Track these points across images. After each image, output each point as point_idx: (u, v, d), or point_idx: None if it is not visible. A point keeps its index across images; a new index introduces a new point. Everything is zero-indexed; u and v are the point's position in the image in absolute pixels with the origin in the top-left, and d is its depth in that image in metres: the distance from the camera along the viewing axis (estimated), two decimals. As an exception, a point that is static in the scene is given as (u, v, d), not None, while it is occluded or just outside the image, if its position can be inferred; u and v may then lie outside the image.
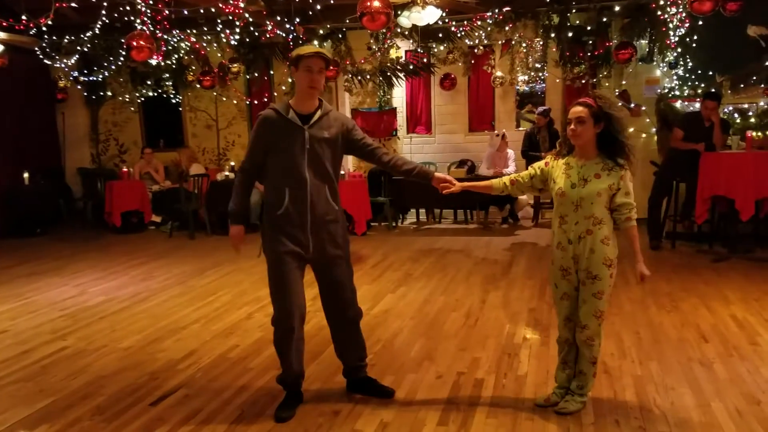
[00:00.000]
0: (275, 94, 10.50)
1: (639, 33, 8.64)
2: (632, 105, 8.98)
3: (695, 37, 8.21)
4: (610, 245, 3.13)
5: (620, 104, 3.01)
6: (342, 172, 9.09)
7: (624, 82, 9.12)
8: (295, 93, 3.40)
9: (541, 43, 9.17)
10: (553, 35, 9.01)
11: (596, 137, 3.09)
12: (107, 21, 8.43)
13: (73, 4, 7.69)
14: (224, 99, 10.81)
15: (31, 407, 3.56)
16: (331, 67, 9.29)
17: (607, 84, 9.37)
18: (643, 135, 9.23)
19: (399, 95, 10.61)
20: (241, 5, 7.92)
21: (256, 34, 9.44)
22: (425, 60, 9.71)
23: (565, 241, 3.17)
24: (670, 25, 8.05)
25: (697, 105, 7.78)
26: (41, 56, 9.64)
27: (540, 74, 9.73)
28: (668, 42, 8.30)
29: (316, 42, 9.86)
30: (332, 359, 4.06)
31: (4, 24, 7.27)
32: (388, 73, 9.65)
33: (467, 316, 4.97)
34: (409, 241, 8.36)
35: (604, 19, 8.84)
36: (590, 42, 8.95)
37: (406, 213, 10.22)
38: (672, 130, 7.46)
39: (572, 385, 3.31)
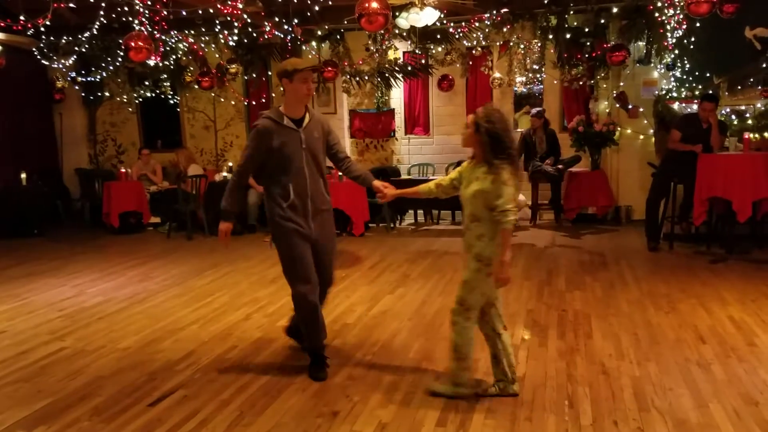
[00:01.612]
0: (273, 95, 10.50)
1: (636, 35, 8.67)
2: (630, 106, 9.00)
3: (692, 39, 8.23)
4: (485, 243, 3.32)
5: (497, 121, 3.27)
6: (340, 174, 9.11)
7: (622, 84, 9.14)
8: (286, 101, 3.84)
9: (538, 44, 9.18)
10: (550, 37, 9.02)
11: (480, 142, 3.28)
12: (105, 21, 8.43)
13: (71, 5, 7.68)
14: (222, 100, 10.81)
15: (30, 408, 3.56)
16: (330, 68, 9.37)
17: (605, 85, 9.40)
18: (641, 136, 9.26)
19: (397, 96, 10.62)
20: (240, 6, 7.92)
21: (254, 35, 9.44)
22: (423, 61, 9.73)
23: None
24: (668, 27, 8.07)
25: (695, 106, 7.80)
26: (39, 57, 9.64)
27: (538, 76, 9.74)
28: (666, 44, 8.33)
29: (314, 43, 9.88)
30: (331, 360, 4.06)
31: (2, 24, 7.27)
32: (386, 74, 9.67)
33: (465, 317, 4.97)
34: (407, 243, 8.36)
35: (602, 21, 8.87)
36: (588, 43, 8.97)
37: (404, 214, 10.22)
38: (669, 131, 7.47)
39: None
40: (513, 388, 3.52)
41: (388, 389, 3.63)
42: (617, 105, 9.17)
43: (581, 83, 9.24)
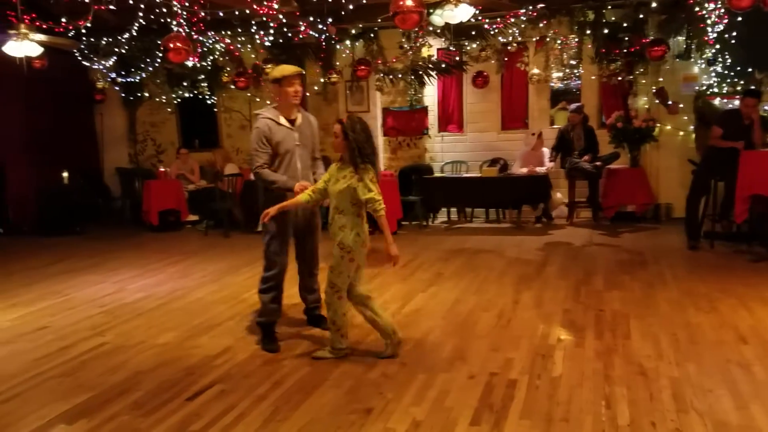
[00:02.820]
0: (308, 94, 10.55)
1: (676, 29, 8.50)
2: (669, 102, 8.83)
3: (734, 34, 8.04)
4: (346, 233, 3.92)
5: (360, 127, 3.93)
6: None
7: (661, 79, 8.98)
8: (279, 103, 4.41)
9: (576, 39, 9.07)
10: (588, 32, 8.90)
11: (348, 148, 3.89)
12: (144, 23, 8.58)
13: (111, 7, 7.84)
14: (258, 99, 10.89)
15: (71, 402, 3.64)
16: (363, 67, 9.38)
17: (644, 81, 9.23)
18: (681, 133, 9.07)
19: (430, 93, 10.57)
20: (275, 6, 7.98)
21: (289, 34, 9.51)
22: (457, 58, 9.67)
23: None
24: (708, 21, 7.89)
25: (737, 102, 7.63)
26: (80, 58, 9.85)
27: (575, 71, 9.61)
28: (706, 38, 8.14)
29: (348, 42, 9.91)
30: (365, 357, 4.09)
31: (44, 26, 7.44)
32: (420, 72, 9.64)
33: (499, 316, 4.94)
34: (440, 241, 8.34)
35: (641, 16, 8.71)
36: (626, 39, 8.82)
37: (436, 212, 10.19)
38: (710, 127, 7.32)
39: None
40: (397, 337, 4.11)
41: (422, 387, 3.63)
42: (657, 101, 9.01)
43: (620, 79, 9.08)
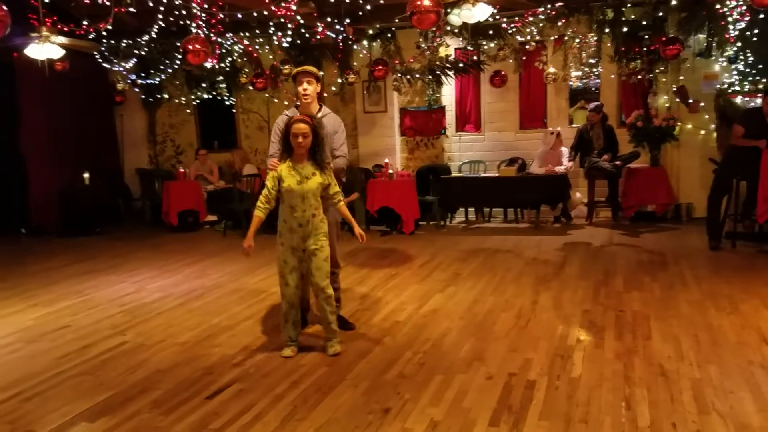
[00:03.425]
0: (325, 94, 10.57)
1: (697, 27, 8.40)
2: (690, 101, 8.73)
3: (755, 31, 7.93)
4: (325, 223, 4.24)
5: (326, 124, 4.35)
6: (390, 172, 9.13)
7: (682, 78, 8.88)
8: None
9: (595, 38, 9.00)
10: (607, 30, 8.83)
11: (316, 147, 4.13)
12: (163, 25, 8.65)
13: (131, 9, 7.90)
14: (276, 100, 10.95)
15: (92, 400, 3.68)
16: (380, 67, 9.38)
17: (664, 79, 9.14)
18: (702, 132, 8.97)
19: (448, 93, 10.55)
20: (293, 8, 8.00)
21: (307, 35, 9.54)
22: (475, 57, 9.64)
23: (296, 225, 4.13)
24: (729, 19, 7.79)
25: (759, 101, 7.53)
26: (100, 60, 9.96)
27: (594, 70, 9.53)
28: (727, 36, 8.04)
29: (365, 42, 9.92)
30: (382, 357, 4.08)
31: (65, 29, 7.53)
32: (437, 72, 9.62)
33: (518, 317, 4.92)
34: (458, 241, 8.32)
35: (660, 14, 8.62)
36: (646, 37, 8.74)
37: (454, 212, 10.17)
38: (732, 126, 7.23)
39: (329, 336, 4.28)
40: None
41: (440, 388, 3.62)
42: (677, 99, 8.91)
43: (639, 77, 9.01)
